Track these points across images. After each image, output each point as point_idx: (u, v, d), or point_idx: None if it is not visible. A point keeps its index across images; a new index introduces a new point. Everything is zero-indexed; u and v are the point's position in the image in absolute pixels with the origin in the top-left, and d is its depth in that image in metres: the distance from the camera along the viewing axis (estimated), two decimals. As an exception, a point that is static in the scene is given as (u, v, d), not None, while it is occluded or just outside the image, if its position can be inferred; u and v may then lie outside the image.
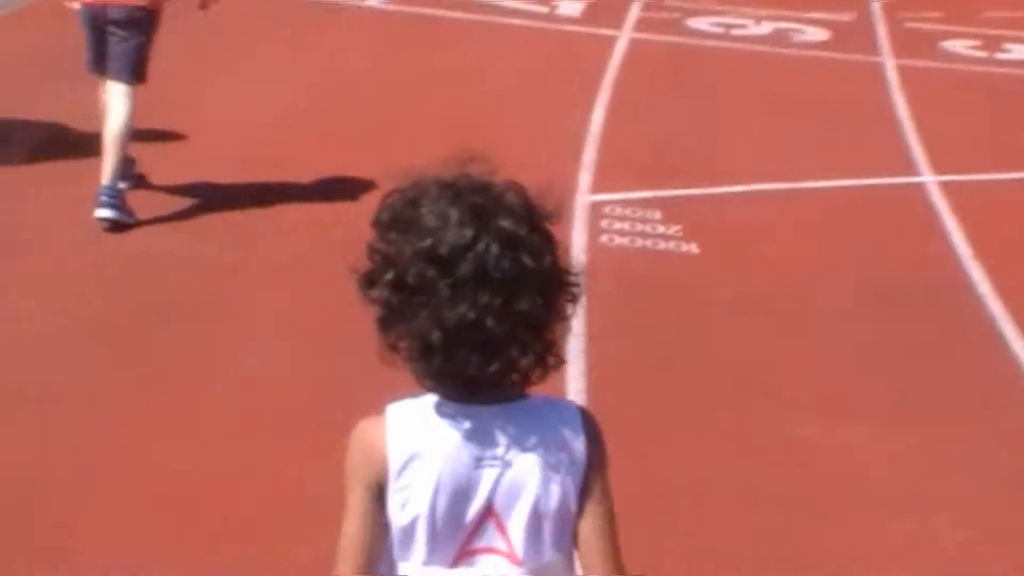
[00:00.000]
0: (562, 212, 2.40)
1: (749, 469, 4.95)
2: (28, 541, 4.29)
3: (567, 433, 2.38)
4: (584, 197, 7.47)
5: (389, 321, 2.33)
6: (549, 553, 2.37)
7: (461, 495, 2.33)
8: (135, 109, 6.74)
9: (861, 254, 7.04)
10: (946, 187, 8.00)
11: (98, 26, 6.73)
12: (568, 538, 2.38)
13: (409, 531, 2.34)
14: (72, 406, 5.09)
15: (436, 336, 2.27)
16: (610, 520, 2.39)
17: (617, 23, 11.42)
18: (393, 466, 2.33)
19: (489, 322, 2.27)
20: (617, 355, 5.68)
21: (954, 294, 6.61)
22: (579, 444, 2.37)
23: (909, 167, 8.41)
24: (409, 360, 2.33)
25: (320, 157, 7.72)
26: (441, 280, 2.27)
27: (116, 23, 6.69)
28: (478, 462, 2.33)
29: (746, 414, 5.35)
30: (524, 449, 2.34)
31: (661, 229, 7.17)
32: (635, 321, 6.07)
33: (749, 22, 11.86)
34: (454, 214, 2.28)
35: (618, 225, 7.18)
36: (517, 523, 2.35)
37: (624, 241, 7.02)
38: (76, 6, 6.78)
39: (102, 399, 5.15)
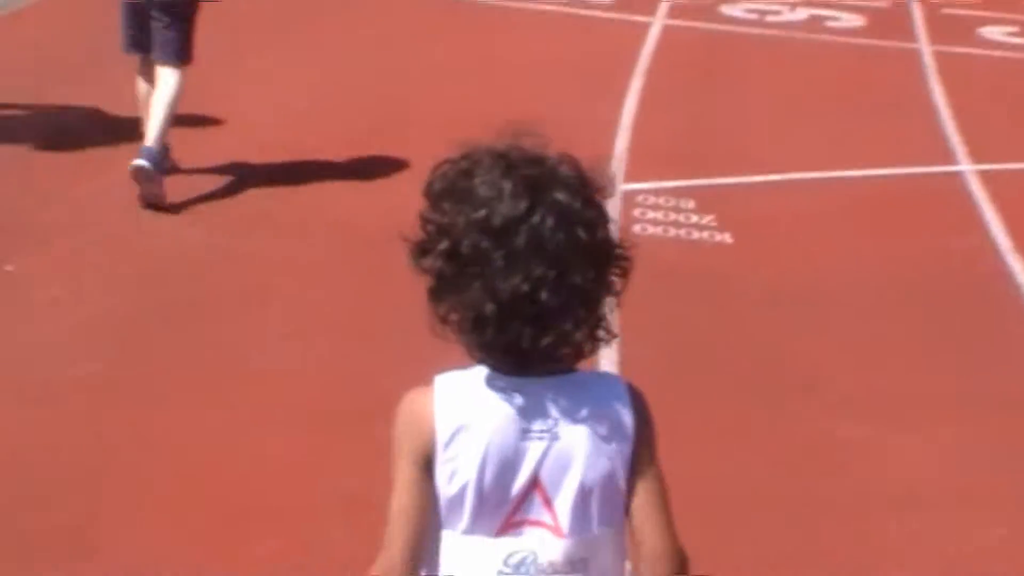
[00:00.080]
0: (613, 186, 2.37)
1: (782, 466, 4.88)
2: (48, 537, 4.26)
3: (618, 407, 2.35)
4: (617, 186, 7.41)
5: (441, 292, 2.31)
6: (595, 527, 2.34)
7: (508, 467, 2.30)
8: (183, 89, 6.85)
9: (897, 245, 6.95)
10: (984, 176, 7.90)
11: (140, 11, 6.83)
12: (616, 513, 2.36)
13: (457, 501, 2.32)
14: (102, 399, 5.07)
15: (489, 308, 2.25)
16: (663, 495, 2.36)
17: (650, 9, 11.34)
18: (441, 437, 2.30)
19: (543, 294, 2.25)
20: (649, 345, 5.61)
21: (992, 286, 6.52)
22: (628, 418, 2.35)
23: (946, 156, 8.31)
24: (460, 332, 2.31)
25: (347, 145, 7.65)
26: (495, 251, 2.25)
27: (160, 8, 6.80)
28: (525, 434, 2.30)
29: (780, 409, 5.29)
30: (575, 421, 2.31)
31: (695, 219, 7.10)
32: (668, 311, 6.00)
33: (783, 8, 11.75)
34: (507, 186, 2.27)
35: (651, 215, 7.12)
36: (564, 497, 2.32)
37: (657, 231, 6.95)
38: None
39: (123, 393, 5.12)
